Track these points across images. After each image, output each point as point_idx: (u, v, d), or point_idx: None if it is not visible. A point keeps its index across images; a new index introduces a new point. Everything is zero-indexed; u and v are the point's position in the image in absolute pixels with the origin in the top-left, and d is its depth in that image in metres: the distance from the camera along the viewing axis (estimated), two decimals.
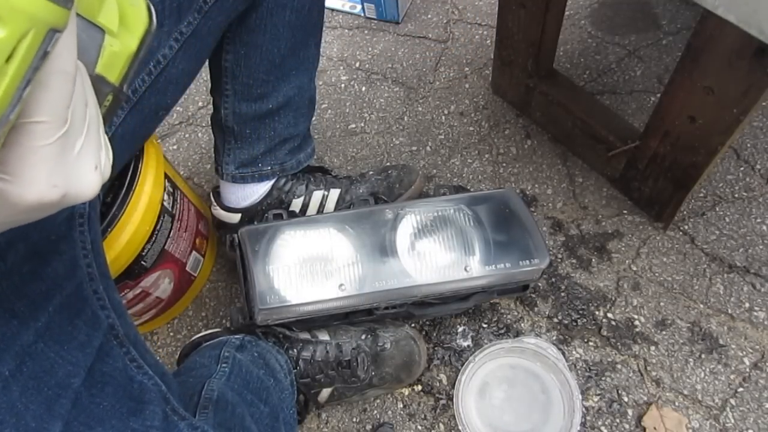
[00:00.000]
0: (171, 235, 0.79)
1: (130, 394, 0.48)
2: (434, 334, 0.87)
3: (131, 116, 0.61)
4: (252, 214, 0.88)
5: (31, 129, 0.22)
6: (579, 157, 1.02)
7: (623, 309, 0.87)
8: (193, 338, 0.77)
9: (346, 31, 1.29)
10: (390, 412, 0.82)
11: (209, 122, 0.86)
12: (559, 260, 0.92)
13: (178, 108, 1.19)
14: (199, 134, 1.15)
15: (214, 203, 0.89)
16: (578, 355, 0.84)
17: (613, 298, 0.88)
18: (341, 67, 1.23)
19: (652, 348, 0.84)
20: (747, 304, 0.86)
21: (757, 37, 0.49)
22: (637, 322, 0.86)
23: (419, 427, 0.81)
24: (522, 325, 0.87)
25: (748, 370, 0.81)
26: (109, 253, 0.67)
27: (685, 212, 0.95)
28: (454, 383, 0.80)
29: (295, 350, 0.75)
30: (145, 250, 0.74)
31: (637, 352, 0.84)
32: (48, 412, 0.40)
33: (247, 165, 0.85)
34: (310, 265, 0.75)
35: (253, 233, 0.76)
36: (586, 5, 1.25)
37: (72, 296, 0.44)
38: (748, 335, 0.83)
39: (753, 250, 0.90)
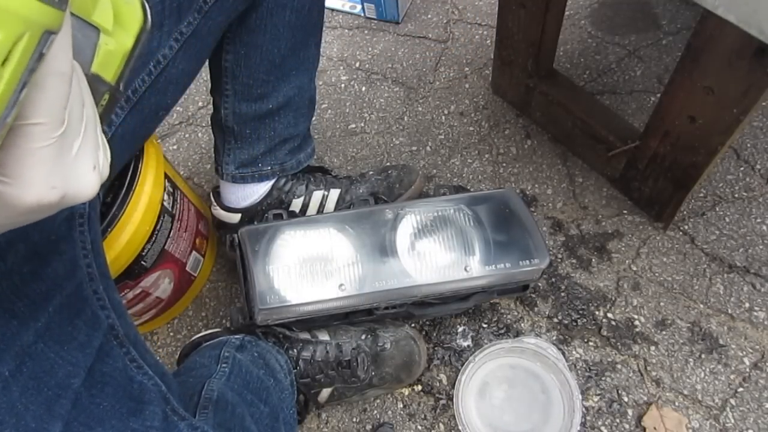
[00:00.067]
0: (171, 235, 0.80)
1: (130, 394, 0.48)
2: (434, 334, 0.87)
3: (131, 116, 0.61)
4: (252, 214, 0.88)
5: (28, 131, 0.22)
6: (579, 157, 1.02)
7: (623, 309, 0.87)
8: (193, 338, 0.77)
9: (346, 31, 1.29)
10: (390, 412, 0.82)
11: (209, 122, 0.86)
12: (559, 260, 0.92)
13: (178, 108, 1.19)
14: (199, 134, 1.15)
15: (214, 203, 0.89)
16: (578, 355, 0.84)
17: (613, 298, 0.88)
18: (341, 67, 1.23)
19: (652, 348, 0.84)
20: (747, 304, 0.86)
21: (757, 37, 0.49)
22: (637, 322, 0.86)
23: (419, 427, 0.81)
24: (522, 325, 0.87)
25: (748, 370, 0.81)
26: (109, 253, 0.67)
27: (685, 212, 0.95)
28: (454, 383, 0.80)
29: (295, 350, 0.75)
30: (145, 250, 0.74)
31: (637, 352, 0.84)
32: (48, 412, 0.40)
33: (247, 165, 0.85)
34: (310, 265, 0.75)
35: (253, 233, 0.76)
36: (586, 5, 1.25)
37: (72, 296, 0.44)
38: (748, 335, 0.83)
39: (753, 250, 0.90)
